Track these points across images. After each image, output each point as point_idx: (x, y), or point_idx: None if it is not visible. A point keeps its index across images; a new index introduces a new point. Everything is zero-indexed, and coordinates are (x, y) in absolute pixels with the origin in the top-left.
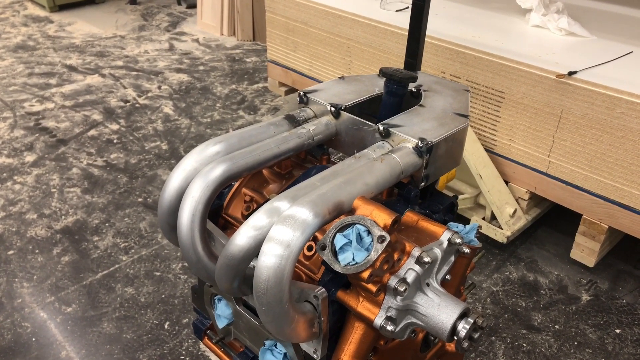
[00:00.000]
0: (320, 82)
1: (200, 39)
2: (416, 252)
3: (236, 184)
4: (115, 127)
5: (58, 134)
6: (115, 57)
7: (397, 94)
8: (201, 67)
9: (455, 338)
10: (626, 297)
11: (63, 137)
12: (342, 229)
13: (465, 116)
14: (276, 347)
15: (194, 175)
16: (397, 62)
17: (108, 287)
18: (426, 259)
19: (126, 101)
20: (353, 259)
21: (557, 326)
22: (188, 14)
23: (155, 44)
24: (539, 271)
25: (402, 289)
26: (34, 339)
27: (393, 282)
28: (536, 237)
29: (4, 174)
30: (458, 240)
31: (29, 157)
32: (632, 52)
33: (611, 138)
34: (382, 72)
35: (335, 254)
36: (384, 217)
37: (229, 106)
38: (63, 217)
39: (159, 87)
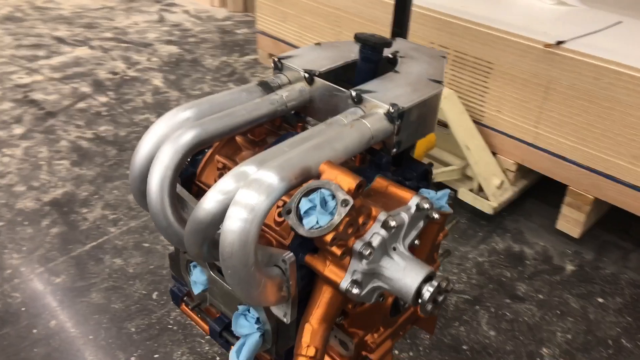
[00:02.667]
0: None
1: (191, 10)
2: (382, 216)
3: (209, 151)
4: (104, 99)
5: (46, 106)
6: (104, 28)
7: (372, 59)
8: (191, 39)
9: (420, 301)
10: (610, 268)
11: (52, 110)
12: (307, 193)
13: (439, 82)
14: (249, 312)
15: (164, 141)
16: (386, 32)
17: (97, 259)
18: (392, 223)
19: (115, 73)
20: (317, 223)
21: (540, 296)
22: None
23: (145, 15)
24: (524, 242)
25: (367, 252)
26: (23, 309)
27: (358, 245)
28: (523, 209)
29: None
30: (426, 206)
31: (18, 130)
32: (621, 22)
33: (598, 109)
34: (357, 38)
35: (300, 217)
36: (348, 181)
37: (218, 78)
38: (52, 189)
39: (149, 59)
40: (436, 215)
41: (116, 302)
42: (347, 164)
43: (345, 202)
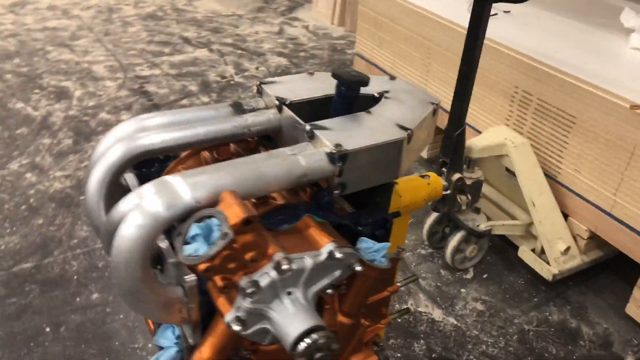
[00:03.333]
0: None
1: (310, 26)
2: (277, 257)
3: (174, 162)
4: (206, 99)
5: (155, 98)
6: (227, 34)
7: (345, 95)
8: (302, 54)
9: (294, 352)
10: None
11: (158, 102)
12: (201, 219)
13: (406, 129)
14: (175, 327)
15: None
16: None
17: None
18: (284, 267)
19: (223, 77)
20: (196, 251)
21: None
22: (308, 0)
23: (267, 26)
24: (585, 319)
25: (249, 290)
26: (75, 277)
27: (243, 282)
28: (595, 282)
29: (100, 128)
30: (339, 256)
31: (125, 116)
32: None
33: None
34: (333, 73)
35: (186, 243)
36: (236, 214)
37: None
38: None
39: (257, 68)
40: (358, 268)
41: None
42: (298, 197)
43: (224, 235)
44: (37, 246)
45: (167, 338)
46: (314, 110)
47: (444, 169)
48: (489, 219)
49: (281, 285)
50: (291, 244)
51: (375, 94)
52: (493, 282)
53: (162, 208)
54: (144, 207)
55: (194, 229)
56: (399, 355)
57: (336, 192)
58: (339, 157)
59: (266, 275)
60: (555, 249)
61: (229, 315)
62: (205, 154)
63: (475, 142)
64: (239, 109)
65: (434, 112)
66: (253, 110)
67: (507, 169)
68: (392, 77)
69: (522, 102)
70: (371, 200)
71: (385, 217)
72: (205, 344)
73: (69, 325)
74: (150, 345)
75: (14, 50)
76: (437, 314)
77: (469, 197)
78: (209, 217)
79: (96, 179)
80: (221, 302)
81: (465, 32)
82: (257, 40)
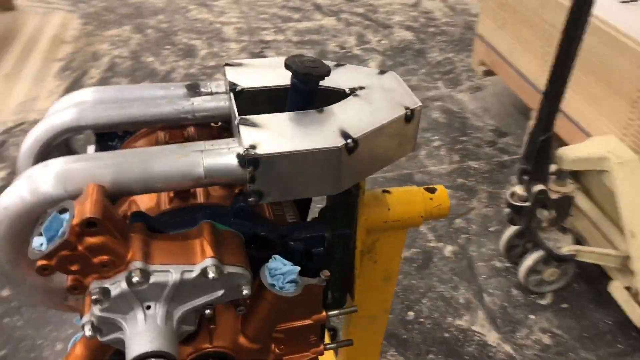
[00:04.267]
0: (517, 71)
1: (450, 0)
2: (131, 266)
3: (129, 139)
4: None
5: None
6: (360, 3)
7: (298, 89)
8: (431, 29)
9: None
10: None
11: None
12: (62, 210)
13: (348, 137)
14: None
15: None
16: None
17: None
18: (135, 279)
19: (342, 48)
20: (40, 245)
21: None
22: None
23: None
24: None
25: (95, 297)
26: None
27: (92, 286)
28: None
29: None
30: (212, 275)
31: None
32: None
33: None
34: (285, 61)
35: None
36: (82, 213)
37: (431, 74)
38: None
39: (379, 41)
40: (245, 292)
41: None
42: (225, 199)
43: (62, 234)
44: None
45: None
46: (275, 101)
47: (524, 177)
48: (579, 242)
49: (136, 298)
50: (169, 253)
51: (347, 90)
52: (572, 315)
53: (28, 193)
54: (16, 187)
55: (48, 222)
56: None
57: (251, 199)
58: (247, 161)
59: (118, 285)
60: None
61: (84, 319)
62: (160, 134)
63: (568, 152)
64: (194, 90)
65: (408, 118)
66: (210, 94)
67: None
68: (382, 72)
69: (634, 103)
70: (329, 213)
71: (323, 234)
72: (80, 340)
73: None
74: None
75: (160, 7)
76: (492, 337)
77: (554, 213)
78: (64, 210)
79: (23, 156)
80: (87, 302)
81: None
82: (388, 11)
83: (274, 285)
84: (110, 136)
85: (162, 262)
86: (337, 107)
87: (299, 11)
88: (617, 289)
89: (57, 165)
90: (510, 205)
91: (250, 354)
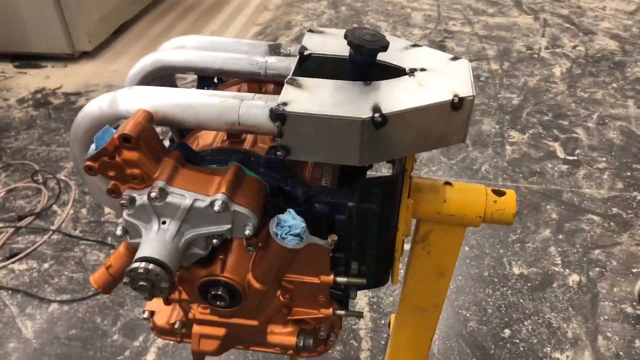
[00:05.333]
0: None
1: None
2: (156, 184)
3: (221, 85)
4: (495, 67)
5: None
6: (567, 4)
7: (354, 60)
8: None
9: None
10: None
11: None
12: (117, 126)
13: (376, 111)
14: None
15: None
16: None
17: None
18: (153, 194)
19: (529, 49)
20: (92, 150)
21: None
22: None
23: (622, 3)
24: None
25: (123, 202)
26: None
27: (123, 194)
28: None
29: None
30: (217, 208)
31: None
32: None
33: None
34: (346, 32)
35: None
36: (122, 129)
37: (623, 90)
38: None
39: (574, 47)
40: (247, 232)
41: None
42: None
43: (107, 143)
44: None
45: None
46: (339, 70)
47: None
48: None
49: (155, 212)
50: (191, 181)
51: (407, 69)
52: None
53: (107, 106)
54: (100, 99)
55: (102, 132)
56: None
57: (279, 153)
58: (276, 116)
59: (142, 197)
60: None
61: (119, 220)
62: (244, 85)
63: None
64: (274, 50)
65: (455, 106)
66: (287, 55)
67: None
68: (455, 58)
69: None
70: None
71: (347, 202)
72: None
73: None
74: None
75: None
76: None
77: None
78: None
79: (126, 82)
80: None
81: None
82: (597, 16)
83: (276, 234)
84: (208, 82)
85: (181, 187)
86: (384, 83)
87: (496, 5)
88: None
89: (135, 90)
90: None
91: (257, 293)
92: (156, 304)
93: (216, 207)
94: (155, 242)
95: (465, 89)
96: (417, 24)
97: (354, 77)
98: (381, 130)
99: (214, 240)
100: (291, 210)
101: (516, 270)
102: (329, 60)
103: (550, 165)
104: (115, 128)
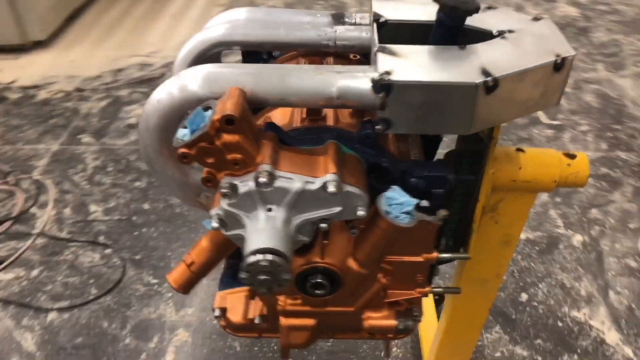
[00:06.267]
0: None
1: None
2: (262, 167)
3: (273, 61)
4: None
5: None
6: None
7: (443, 23)
8: (602, 7)
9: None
10: None
11: None
12: (206, 108)
13: (488, 75)
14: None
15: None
16: None
17: None
18: (261, 179)
19: None
20: (183, 136)
21: None
22: None
23: None
24: None
25: (225, 191)
26: None
27: (222, 182)
28: None
29: None
30: (332, 190)
31: None
32: None
33: None
34: None
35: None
36: (222, 110)
37: (591, 55)
38: None
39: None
40: (360, 213)
41: None
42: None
43: (204, 127)
44: None
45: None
46: (418, 36)
47: None
48: None
49: (261, 199)
50: (295, 163)
51: (494, 32)
52: None
53: (178, 91)
54: (167, 85)
55: (192, 115)
56: (539, 358)
57: (378, 127)
58: (381, 86)
59: (246, 183)
60: None
61: (213, 211)
62: (301, 60)
63: None
64: (338, 20)
65: (557, 67)
66: (353, 24)
67: None
68: (537, 18)
69: None
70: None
71: (445, 176)
72: (207, 234)
73: None
74: None
75: None
76: (611, 336)
77: None
78: (209, 108)
79: (177, 64)
80: (217, 197)
81: None
82: None
83: (389, 213)
84: (256, 58)
85: (287, 170)
86: (481, 46)
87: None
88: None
89: (205, 69)
90: None
91: (357, 277)
92: (227, 300)
93: (331, 189)
94: (267, 231)
95: (565, 48)
96: None
97: (443, 42)
98: (491, 95)
99: (322, 225)
100: (396, 187)
101: (522, 236)
102: (407, 26)
103: (536, 131)
104: (204, 110)
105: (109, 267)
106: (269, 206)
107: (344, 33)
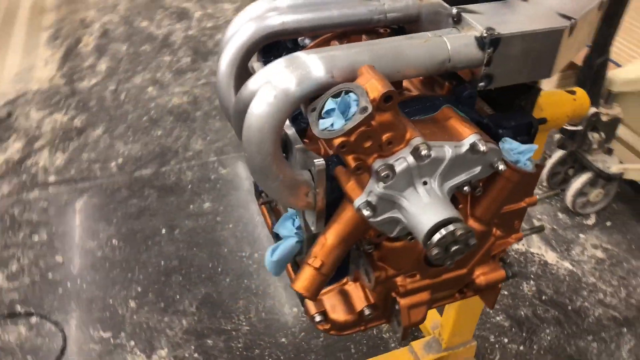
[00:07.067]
0: None
1: None
2: (415, 141)
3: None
4: None
5: None
6: None
7: None
8: None
9: (428, 243)
10: None
11: None
12: (336, 94)
13: (569, 18)
14: (296, 218)
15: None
16: None
17: None
18: (424, 152)
19: None
20: (331, 125)
21: None
22: None
23: None
24: None
25: (384, 173)
26: (189, 187)
27: (377, 164)
28: None
29: (217, 48)
30: (483, 148)
31: None
32: None
33: None
34: None
35: (321, 118)
36: (376, 89)
37: None
38: None
39: None
40: (502, 167)
41: None
42: (433, 92)
43: (364, 110)
44: (155, 155)
45: (287, 228)
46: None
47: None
48: (620, 162)
49: (417, 174)
50: (429, 133)
51: None
52: (617, 231)
53: (294, 83)
54: (274, 82)
55: (330, 103)
56: (506, 293)
57: (481, 84)
58: (490, 41)
59: (402, 160)
60: None
61: (359, 200)
62: (335, 43)
63: (618, 74)
64: None
65: (600, 6)
66: None
67: None
68: None
69: None
70: (512, 104)
71: (531, 121)
72: (330, 231)
73: (182, 229)
74: (256, 255)
75: None
76: (550, 257)
77: (603, 135)
78: (346, 92)
79: (227, 59)
80: (351, 186)
81: None
82: None
83: (518, 162)
84: (277, 51)
85: (432, 140)
86: None
87: None
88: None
89: (315, 55)
90: (562, 131)
91: (479, 236)
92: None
93: (482, 147)
94: (437, 203)
95: None
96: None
97: None
98: (571, 37)
99: (465, 188)
100: (507, 139)
101: None
102: None
103: None
104: (334, 97)
105: (44, 336)
106: (424, 179)
107: (392, 5)
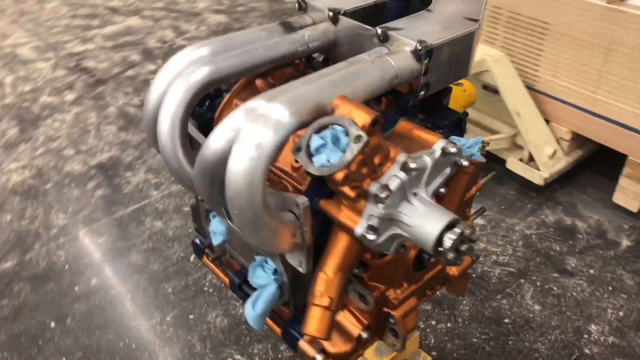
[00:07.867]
0: None
1: None
2: (401, 157)
3: (227, 95)
4: (152, 67)
5: (97, 74)
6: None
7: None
8: (240, 8)
9: (441, 250)
10: None
11: (102, 77)
12: (319, 129)
13: (475, 20)
14: (267, 263)
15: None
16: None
17: (138, 221)
18: (412, 165)
19: (164, 42)
20: (328, 161)
21: (591, 271)
22: None
23: None
24: (577, 215)
25: (383, 195)
26: (67, 267)
27: (374, 188)
28: (577, 181)
29: (45, 112)
30: (453, 150)
31: (69, 96)
32: None
33: None
34: None
35: (310, 156)
36: (362, 116)
37: None
38: (98, 153)
39: (197, 28)
40: (465, 163)
41: (154, 263)
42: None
43: (358, 138)
44: (12, 244)
45: (262, 277)
46: (365, 19)
47: None
48: None
49: (408, 187)
50: (403, 147)
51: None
52: (486, 197)
53: (270, 133)
54: (248, 138)
55: (317, 140)
56: None
57: (421, 93)
58: (425, 52)
59: (395, 178)
60: (543, 155)
61: (361, 226)
62: (260, 82)
63: None
64: (289, 27)
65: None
66: (302, 27)
67: (484, 86)
68: None
69: (492, 18)
70: (435, 104)
71: (460, 117)
72: (329, 265)
73: (74, 315)
74: (168, 318)
75: None
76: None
77: None
78: (326, 126)
79: (167, 121)
80: (345, 215)
81: None
82: (189, 0)
83: (472, 155)
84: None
85: (410, 152)
86: (438, 6)
87: (95, 17)
88: (513, 163)
89: (275, 101)
90: None
91: None
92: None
93: (452, 149)
94: (434, 209)
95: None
96: (32, 58)
97: (401, 14)
98: (479, 36)
99: (442, 190)
100: (454, 137)
101: None
102: (357, 12)
103: None
104: (317, 132)
105: None
106: (414, 191)
107: (312, 35)
